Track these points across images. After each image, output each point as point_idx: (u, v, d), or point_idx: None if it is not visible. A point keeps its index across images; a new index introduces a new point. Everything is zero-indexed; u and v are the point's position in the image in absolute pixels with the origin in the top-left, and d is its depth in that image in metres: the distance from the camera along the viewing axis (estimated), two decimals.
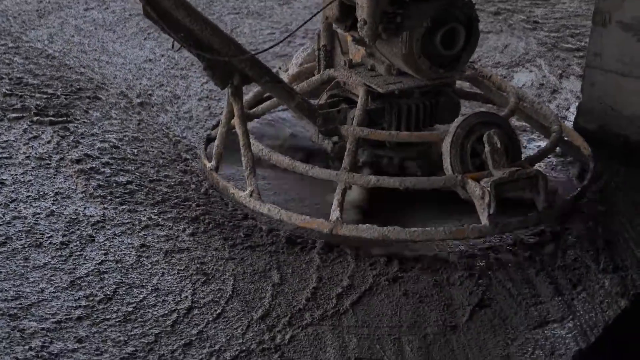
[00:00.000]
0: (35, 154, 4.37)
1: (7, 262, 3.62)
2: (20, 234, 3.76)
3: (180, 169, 4.30)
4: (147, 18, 3.54)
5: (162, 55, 5.57)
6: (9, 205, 3.95)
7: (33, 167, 4.27)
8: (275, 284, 3.52)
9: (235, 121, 3.85)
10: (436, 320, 3.40)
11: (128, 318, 3.35)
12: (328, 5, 3.91)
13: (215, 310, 3.39)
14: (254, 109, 4.26)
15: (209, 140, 4.30)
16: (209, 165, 4.05)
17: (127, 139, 4.54)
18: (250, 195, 3.82)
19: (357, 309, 3.42)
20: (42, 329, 3.28)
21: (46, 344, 3.22)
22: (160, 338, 3.26)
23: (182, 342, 3.24)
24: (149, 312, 3.38)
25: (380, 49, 3.95)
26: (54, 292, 3.47)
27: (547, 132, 4.18)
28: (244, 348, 3.22)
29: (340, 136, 3.96)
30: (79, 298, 3.45)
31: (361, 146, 3.96)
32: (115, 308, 3.40)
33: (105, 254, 3.69)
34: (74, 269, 3.60)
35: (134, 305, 3.42)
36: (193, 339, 3.26)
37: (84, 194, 4.07)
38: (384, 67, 3.98)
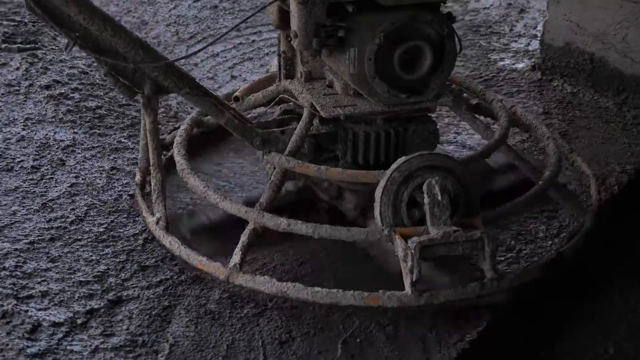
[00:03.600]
0: (4, 80, 4.43)
1: None
2: None
3: None
4: (30, 11, 3.07)
5: None
6: None
7: (2, 94, 4.34)
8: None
9: (147, 135, 3.33)
10: None
11: (100, 238, 3.42)
12: (263, 8, 3.32)
13: None
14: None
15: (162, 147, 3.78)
16: (137, 177, 3.57)
17: (95, 65, 4.47)
18: (157, 223, 3.31)
19: None
20: (15, 249, 3.34)
21: (19, 264, 3.28)
22: (132, 256, 3.33)
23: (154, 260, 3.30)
24: (120, 232, 3.45)
25: (330, 64, 3.33)
26: (26, 215, 3.55)
27: (537, 175, 3.44)
28: None
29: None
30: (50, 220, 3.53)
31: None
32: (87, 229, 3.47)
33: (76, 177, 3.77)
34: (45, 192, 3.69)
35: (105, 225, 3.48)
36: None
37: (53, 119, 4.15)
38: (340, 85, 3.35)
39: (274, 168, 3.30)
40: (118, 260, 3.32)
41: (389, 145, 3.36)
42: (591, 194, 3.56)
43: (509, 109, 3.76)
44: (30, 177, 3.76)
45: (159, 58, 3.20)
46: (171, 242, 3.24)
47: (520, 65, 4.91)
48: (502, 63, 4.91)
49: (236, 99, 3.63)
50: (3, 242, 3.38)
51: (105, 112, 4.22)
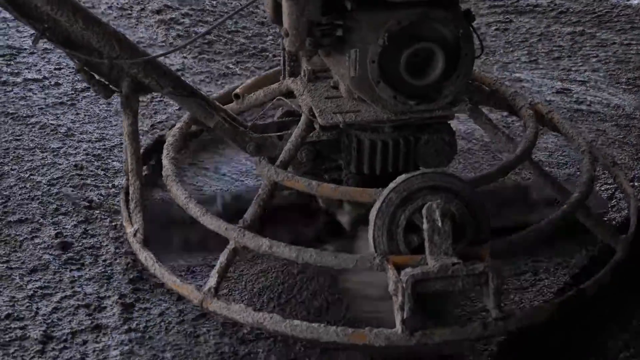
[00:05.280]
0: (117, 4, 4.65)
1: (91, 106, 3.84)
2: None
3: (257, 21, 4.56)
4: None
5: None
6: None
7: (115, 17, 4.51)
8: None
9: (125, 139, 3.00)
10: None
11: None
12: (253, 2, 2.96)
13: None
14: None
15: (158, 143, 3.45)
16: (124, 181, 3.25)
17: None
18: (134, 235, 3.00)
19: None
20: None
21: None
22: None
23: None
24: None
25: (329, 65, 2.97)
26: None
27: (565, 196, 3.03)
28: None
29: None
30: None
31: None
32: None
33: None
34: (154, 114, 3.80)
35: None
36: None
37: (164, 44, 4.28)
38: (345, 87, 2.98)
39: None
40: None
41: (397, 156, 2.99)
42: (630, 218, 3.14)
43: (547, 113, 3.36)
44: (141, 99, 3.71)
45: (137, 53, 2.88)
46: (146, 258, 2.93)
47: (635, 2, 4.77)
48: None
49: (236, 96, 3.29)
50: (113, 161, 3.52)
51: (214, 38, 4.35)
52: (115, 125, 3.71)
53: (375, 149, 2.98)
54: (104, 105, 3.83)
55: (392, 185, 2.73)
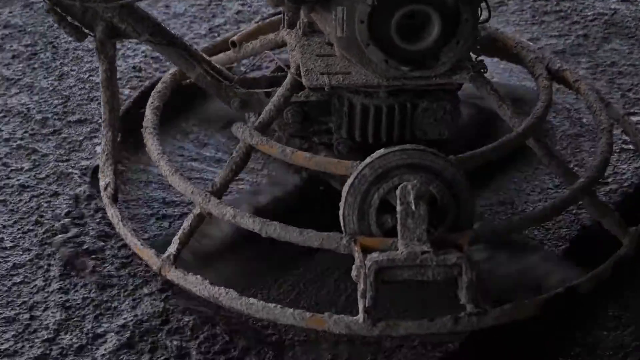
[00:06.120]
0: None
1: (150, 9, 3.51)
2: None
3: None
4: None
5: None
6: None
7: None
8: None
9: (101, 86, 2.81)
10: None
11: None
12: None
13: None
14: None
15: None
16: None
17: None
18: (105, 190, 2.83)
19: None
20: None
21: None
22: None
23: None
24: None
25: (317, 22, 2.72)
26: (193, 39, 3.65)
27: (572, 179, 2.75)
28: None
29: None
30: None
31: None
32: None
33: (242, 5, 3.87)
34: (212, 17, 3.80)
35: None
36: None
37: None
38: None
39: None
40: None
41: (392, 123, 2.75)
42: None
43: (574, 82, 3.06)
44: (199, 2, 3.85)
45: None
46: (112, 215, 2.76)
47: None
48: None
49: (233, 43, 3.07)
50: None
51: None
52: (174, 28, 3.57)
53: (368, 115, 2.74)
54: (162, 8, 3.86)
55: (367, 160, 2.50)
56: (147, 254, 2.64)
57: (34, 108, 3.34)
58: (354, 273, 2.42)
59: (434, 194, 2.47)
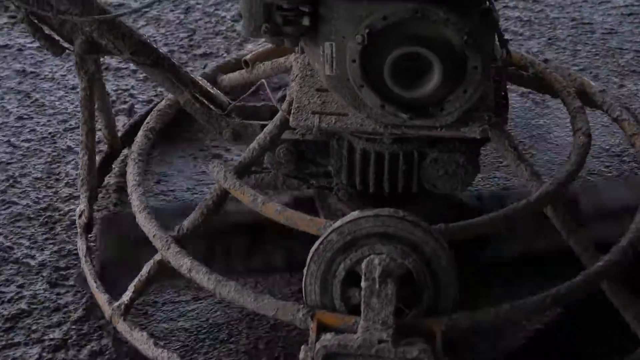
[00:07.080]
0: None
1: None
2: None
3: None
4: None
5: None
6: None
7: None
8: None
9: (80, 103, 2.55)
10: None
11: None
12: None
13: None
14: None
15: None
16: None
17: None
18: (79, 217, 2.59)
19: None
20: None
21: None
22: None
23: None
24: None
25: (307, 56, 2.38)
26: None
27: None
28: None
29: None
30: None
31: None
32: None
33: None
34: None
35: None
36: None
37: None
38: None
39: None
40: None
41: (395, 173, 2.41)
42: None
43: (631, 136, 2.63)
44: None
45: (91, 9, 2.41)
46: (79, 248, 2.52)
47: None
48: None
49: (246, 63, 2.78)
50: None
51: None
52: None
53: (369, 161, 2.41)
54: None
55: (337, 223, 2.17)
56: (102, 300, 2.40)
57: (160, 40, 3.42)
58: (301, 355, 2.11)
59: (410, 269, 2.13)
